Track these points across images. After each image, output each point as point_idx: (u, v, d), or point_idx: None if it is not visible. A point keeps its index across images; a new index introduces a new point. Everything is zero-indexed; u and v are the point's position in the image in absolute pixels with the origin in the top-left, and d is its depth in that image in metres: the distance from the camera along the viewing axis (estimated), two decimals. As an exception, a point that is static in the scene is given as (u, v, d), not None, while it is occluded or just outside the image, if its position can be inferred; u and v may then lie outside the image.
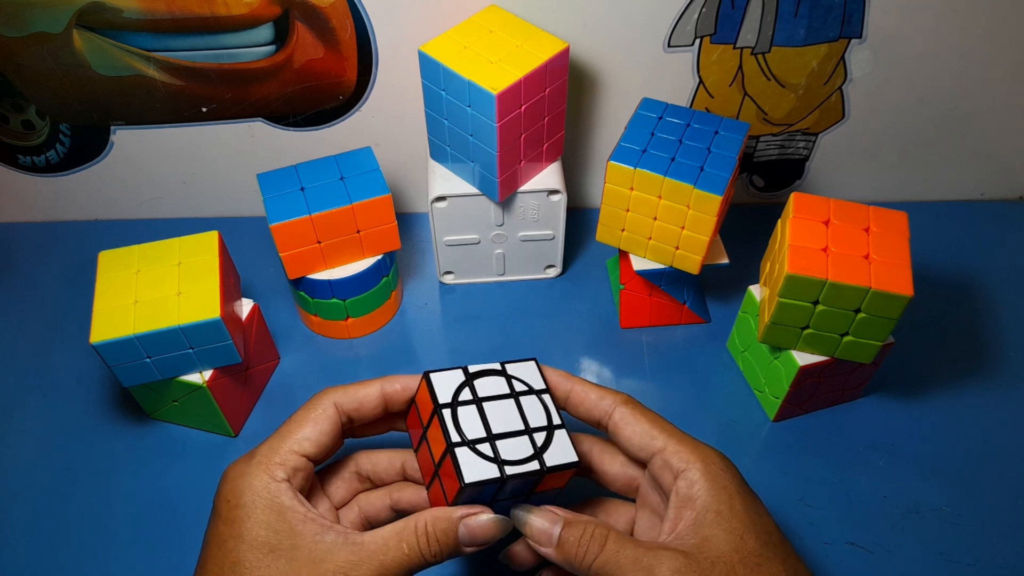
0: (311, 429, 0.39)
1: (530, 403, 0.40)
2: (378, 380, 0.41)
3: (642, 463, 0.41)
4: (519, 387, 0.41)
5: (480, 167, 0.54)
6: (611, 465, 0.43)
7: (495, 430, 0.39)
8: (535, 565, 0.41)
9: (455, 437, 0.38)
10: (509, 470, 0.37)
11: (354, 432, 0.43)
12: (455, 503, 0.38)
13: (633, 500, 0.43)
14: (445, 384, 0.40)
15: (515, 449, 0.38)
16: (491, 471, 0.37)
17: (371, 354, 0.58)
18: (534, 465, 0.38)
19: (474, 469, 0.37)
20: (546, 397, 0.40)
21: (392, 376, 0.42)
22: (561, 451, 0.39)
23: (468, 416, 0.39)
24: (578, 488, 0.44)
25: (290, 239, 0.52)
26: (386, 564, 0.36)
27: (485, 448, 0.38)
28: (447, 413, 0.39)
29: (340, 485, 0.43)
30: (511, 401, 0.40)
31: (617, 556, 0.36)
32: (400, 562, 0.36)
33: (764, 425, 0.54)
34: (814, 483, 0.50)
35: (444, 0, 0.54)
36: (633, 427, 0.40)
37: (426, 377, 0.40)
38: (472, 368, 0.40)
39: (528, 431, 0.39)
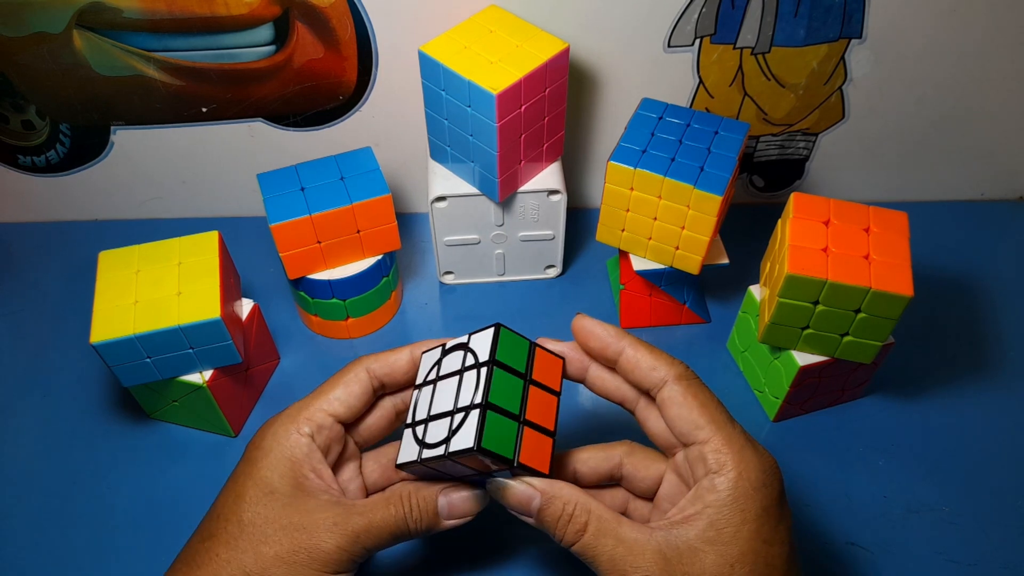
0: (342, 391, 0.41)
1: (469, 379, 0.37)
2: (408, 347, 0.42)
3: (684, 444, 0.38)
4: (469, 360, 0.38)
5: (480, 167, 0.54)
6: (656, 423, 0.40)
7: (432, 411, 0.38)
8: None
9: (408, 418, 0.40)
10: (424, 453, 0.37)
11: (391, 393, 0.44)
12: (417, 479, 0.40)
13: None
14: (427, 362, 0.41)
15: (437, 431, 0.37)
16: (414, 453, 0.38)
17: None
18: (439, 451, 0.36)
19: (406, 451, 0.39)
20: (483, 371, 0.36)
21: (421, 342, 0.42)
22: (464, 435, 0.35)
23: (425, 396, 0.40)
24: (618, 427, 0.44)
25: (290, 239, 0.52)
26: (374, 521, 0.38)
27: (420, 430, 0.38)
28: (415, 394, 0.40)
29: (375, 469, 0.44)
30: (456, 379, 0.38)
31: (594, 549, 0.36)
32: (387, 522, 0.38)
33: (764, 425, 0.54)
34: (814, 483, 0.50)
35: (444, 0, 0.54)
36: (680, 410, 0.37)
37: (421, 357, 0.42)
38: (449, 343, 0.40)
39: (452, 411, 0.37)
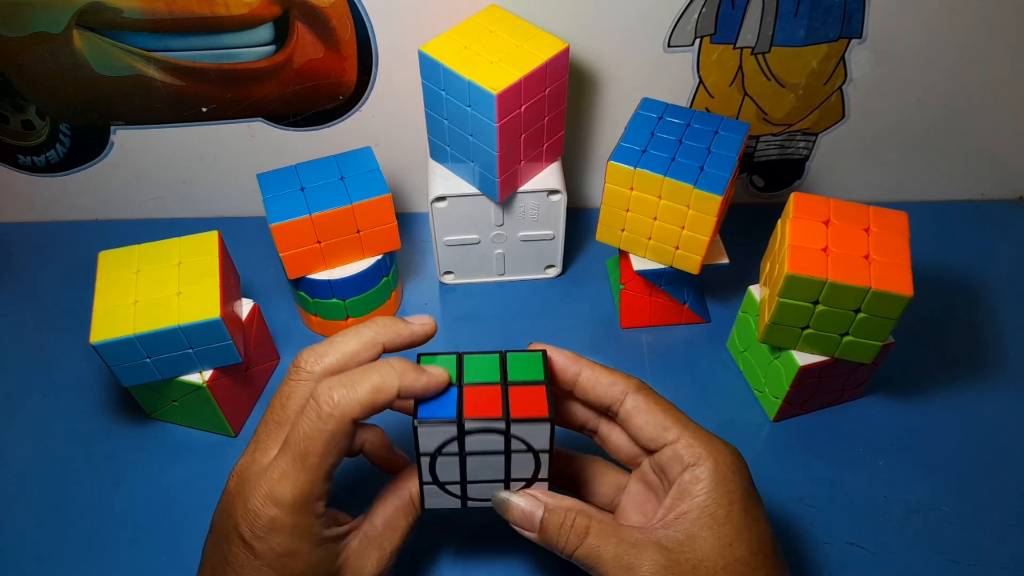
0: (336, 456, 0.36)
1: (522, 459, 0.37)
2: (376, 371, 0.36)
3: (648, 452, 0.40)
4: (517, 446, 0.37)
5: (480, 167, 0.54)
6: (619, 437, 0.42)
7: (471, 477, 0.38)
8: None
9: (427, 477, 0.39)
10: (471, 504, 0.40)
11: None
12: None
13: (629, 470, 0.43)
14: (434, 436, 0.36)
15: (484, 490, 0.39)
16: (453, 503, 0.39)
17: (371, 354, 0.58)
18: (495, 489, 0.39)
19: (436, 500, 0.40)
20: (543, 456, 0.37)
21: (399, 361, 0.37)
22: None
23: (447, 463, 0.38)
24: (575, 446, 0.44)
25: (290, 239, 0.52)
26: (404, 536, 0.41)
27: (454, 488, 0.39)
28: (425, 460, 0.38)
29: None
30: (501, 457, 0.37)
31: (598, 550, 0.36)
32: (409, 529, 0.41)
33: (764, 425, 0.54)
34: (814, 483, 0.50)
35: (444, 0, 0.54)
36: (645, 417, 0.39)
37: (413, 428, 0.36)
38: (469, 425, 0.36)
39: (507, 480, 0.38)
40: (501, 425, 0.36)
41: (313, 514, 0.36)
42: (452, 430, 0.36)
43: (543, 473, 0.38)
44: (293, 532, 0.36)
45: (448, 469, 0.38)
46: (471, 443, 0.37)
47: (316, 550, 0.37)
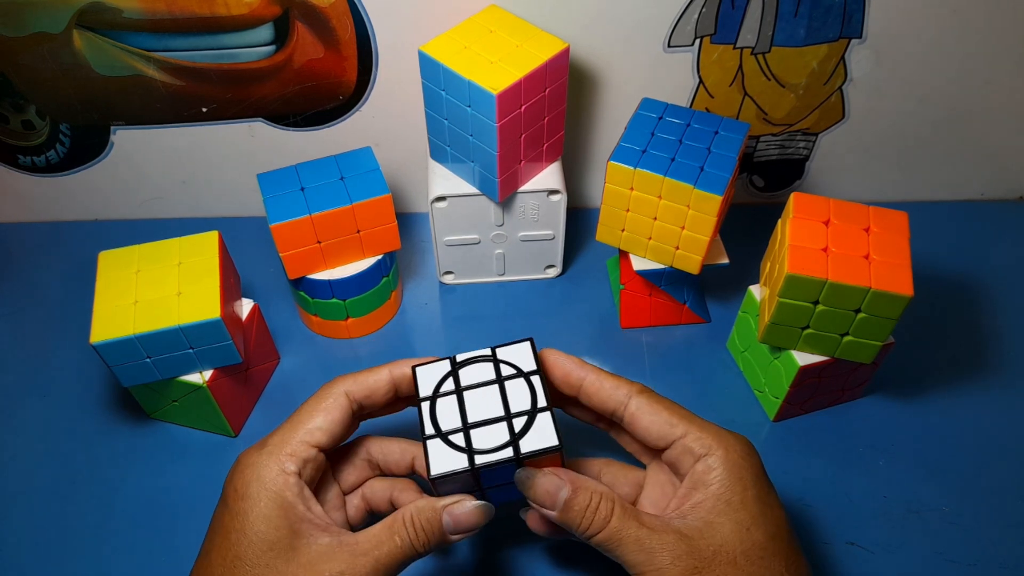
0: (322, 419, 0.40)
1: (516, 387, 0.39)
2: (386, 366, 0.41)
3: (658, 451, 0.40)
4: (507, 371, 0.39)
5: (480, 167, 0.54)
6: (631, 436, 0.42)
7: (471, 419, 0.38)
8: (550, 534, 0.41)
9: (428, 430, 0.38)
10: (480, 459, 0.37)
11: (369, 415, 0.43)
12: (440, 494, 0.39)
13: (644, 467, 0.43)
14: (429, 377, 0.40)
15: (490, 437, 0.37)
16: (460, 462, 0.37)
17: (371, 354, 0.58)
18: (508, 453, 0.37)
19: (443, 461, 0.37)
20: (535, 379, 0.39)
21: (400, 361, 0.42)
22: (541, 435, 0.37)
23: (447, 407, 0.39)
24: (591, 442, 0.44)
25: (290, 239, 0.52)
26: (381, 559, 0.37)
27: (458, 439, 0.38)
28: (425, 407, 0.39)
29: (351, 471, 0.43)
30: (495, 387, 0.39)
31: (620, 533, 0.36)
32: (394, 555, 0.37)
33: (764, 425, 0.54)
34: (814, 483, 0.50)
35: (444, 0, 0.54)
36: (651, 416, 0.39)
37: (412, 371, 0.40)
38: (460, 357, 0.40)
39: (508, 416, 0.38)
40: (488, 352, 0.40)
41: (282, 467, 0.38)
42: (446, 365, 0.40)
43: (541, 401, 0.38)
44: (261, 477, 0.37)
45: (449, 413, 0.38)
46: (465, 375, 0.39)
47: (273, 507, 0.37)
